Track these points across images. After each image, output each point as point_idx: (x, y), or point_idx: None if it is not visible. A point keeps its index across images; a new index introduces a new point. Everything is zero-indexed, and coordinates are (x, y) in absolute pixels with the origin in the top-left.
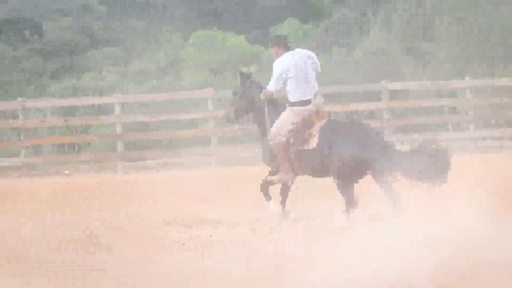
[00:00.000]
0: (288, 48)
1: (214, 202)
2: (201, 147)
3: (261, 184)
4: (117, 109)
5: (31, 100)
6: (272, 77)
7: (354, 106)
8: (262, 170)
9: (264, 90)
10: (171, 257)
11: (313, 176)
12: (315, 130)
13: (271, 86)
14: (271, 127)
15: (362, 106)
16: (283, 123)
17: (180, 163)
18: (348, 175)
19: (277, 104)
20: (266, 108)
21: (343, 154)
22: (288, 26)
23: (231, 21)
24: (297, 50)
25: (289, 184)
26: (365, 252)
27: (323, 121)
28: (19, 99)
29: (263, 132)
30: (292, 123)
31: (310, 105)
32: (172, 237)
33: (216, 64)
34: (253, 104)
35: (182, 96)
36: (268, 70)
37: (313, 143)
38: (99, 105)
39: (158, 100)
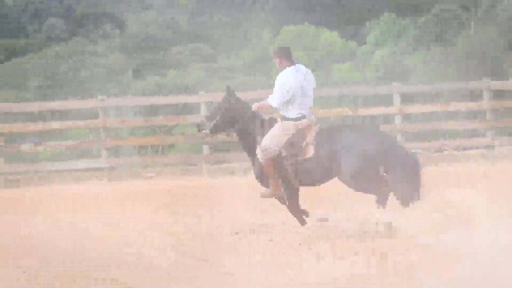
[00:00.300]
0: (292, 62)
1: (303, 207)
2: None
3: (289, 207)
4: (203, 108)
5: (111, 99)
6: (275, 91)
7: (454, 106)
8: None
9: (262, 102)
10: (250, 264)
11: (312, 185)
12: (310, 139)
13: (274, 100)
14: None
15: (462, 106)
16: (276, 137)
17: None
18: (369, 175)
19: (262, 120)
20: (257, 125)
21: (357, 157)
22: (384, 21)
23: (323, 16)
24: (298, 66)
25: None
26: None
27: (315, 130)
28: (99, 97)
29: (250, 149)
30: (286, 135)
31: (305, 120)
32: (255, 243)
33: (308, 61)
34: (236, 122)
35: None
36: (363, 67)
37: (310, 152)
38: (184, 104)
39: (246, 98)
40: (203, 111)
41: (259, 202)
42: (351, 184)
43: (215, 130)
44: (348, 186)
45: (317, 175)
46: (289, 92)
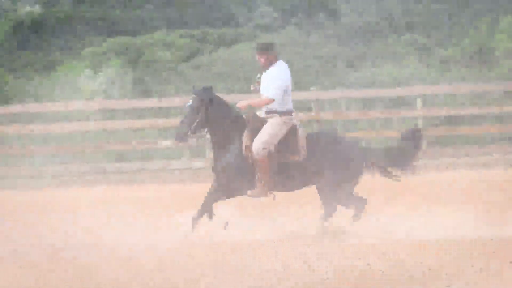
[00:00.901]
0: (276, 57)
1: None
2: (510, 145)
3: (205, 200)
4: (418, 102)
5: (325, 91)
6: (273, 85)
7: None
8: None
9: (262, 98)
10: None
11: (292, 189)
12: (302, 140)
13: (274, 94)
14: (248, 140)
15: None
16: (275, 131)
17: (487, 163)
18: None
19: (243, 118)
20: (239, 123)
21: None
22: None
23: None
24: (280, 61)
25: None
26: None
27: (303, 133)
28: (312, 89)
29: (224, 148)
30: (285, 129)
31: (294, 113)
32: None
33: None
34: (214, 120)
35: (491, 88)
36: None
37: (303, 154)
38: (399, 97)
39: (464, 92)
40: (419, 104)
41: (465, 201)
42: (332, 195)
43: (193, 135)
44: (325, 197)
45: (302, 180)
46: (285, 85)
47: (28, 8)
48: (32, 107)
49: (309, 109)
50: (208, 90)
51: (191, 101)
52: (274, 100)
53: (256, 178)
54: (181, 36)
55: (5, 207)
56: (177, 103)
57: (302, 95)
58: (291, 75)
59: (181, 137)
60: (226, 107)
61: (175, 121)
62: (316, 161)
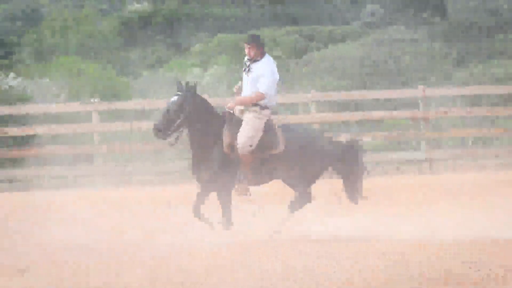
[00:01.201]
0: (264, 50)
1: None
2: None
3: (225, 206)
4: None
5: (432, 88)
6: (266, 80)
7: None
8: None
9: (253, 95)
10: None
11: (262, 183)
12: (279, 132)
13: (268, 89)
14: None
15: None
16: (255, 128)
17: None
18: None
19: (222, 115)
20: (219, 121)
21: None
22: None
23: None
24: (267, 55)
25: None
26: None
27: (278, 126)
28: (419, 86)
29: (201, 145)
30: (262, 127)
31: (271, 109)
32: None
33: None
34: (196, 119)
35: None
36: None
37: (281, 147)
38: (508, 95)
39: None
40: None
41: None
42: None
43: (171, 131)
44: (294, 186)
45: (278, 172)
46: (276, 78)
47: (136, 5)
48: (137, 104)
49: (416, 107)
50: (192, 88)
51: (175, 97)
52: (265, 96)
53: (238, 175)
54: (288, 33)
55: (99, 203)
56: (286, 100)
57: (410, 92)
58: (397, 74)
59: (161, 134)
60: (208, 106)
61: (282, 117)
62: (293, 152)
